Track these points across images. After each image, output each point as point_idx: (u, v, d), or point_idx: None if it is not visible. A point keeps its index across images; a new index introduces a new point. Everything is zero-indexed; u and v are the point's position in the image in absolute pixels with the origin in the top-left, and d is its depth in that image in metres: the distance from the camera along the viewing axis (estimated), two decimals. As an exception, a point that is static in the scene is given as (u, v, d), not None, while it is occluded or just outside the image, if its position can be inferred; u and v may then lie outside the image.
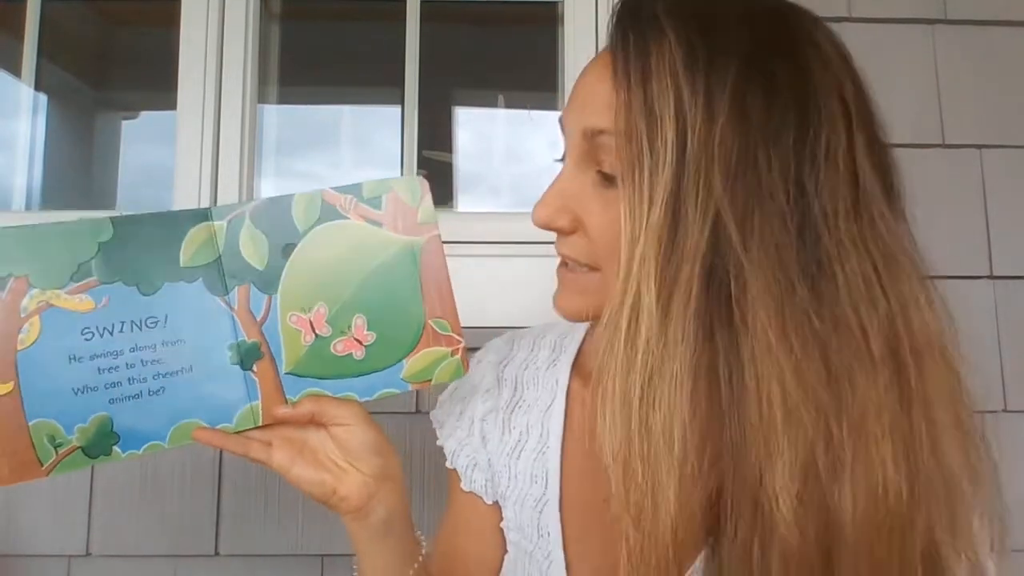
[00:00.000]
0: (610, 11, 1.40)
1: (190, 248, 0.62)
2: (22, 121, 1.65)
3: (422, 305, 0.67)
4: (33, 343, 0.58)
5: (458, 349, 0.68)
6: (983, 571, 0.55)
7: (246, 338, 0.64)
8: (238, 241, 0.63)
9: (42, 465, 0.59)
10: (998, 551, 0.57)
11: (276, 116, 1.74)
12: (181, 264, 0.62)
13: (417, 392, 1.25)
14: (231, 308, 0.63)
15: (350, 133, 1.94)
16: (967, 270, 1.30)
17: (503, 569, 0.75)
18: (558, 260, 0.64)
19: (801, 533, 0.48)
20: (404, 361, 0.67)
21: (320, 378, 0.66)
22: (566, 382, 0.73)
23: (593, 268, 0.60)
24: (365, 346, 0.66)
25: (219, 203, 1.33)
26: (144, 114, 1.98)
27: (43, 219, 1.39)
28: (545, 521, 0.69)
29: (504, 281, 1.30)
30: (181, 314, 0.62)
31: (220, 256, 0.63)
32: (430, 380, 0.68)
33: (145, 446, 0.62)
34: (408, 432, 1.25)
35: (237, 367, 0.64)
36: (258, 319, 0.64)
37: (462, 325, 0.68)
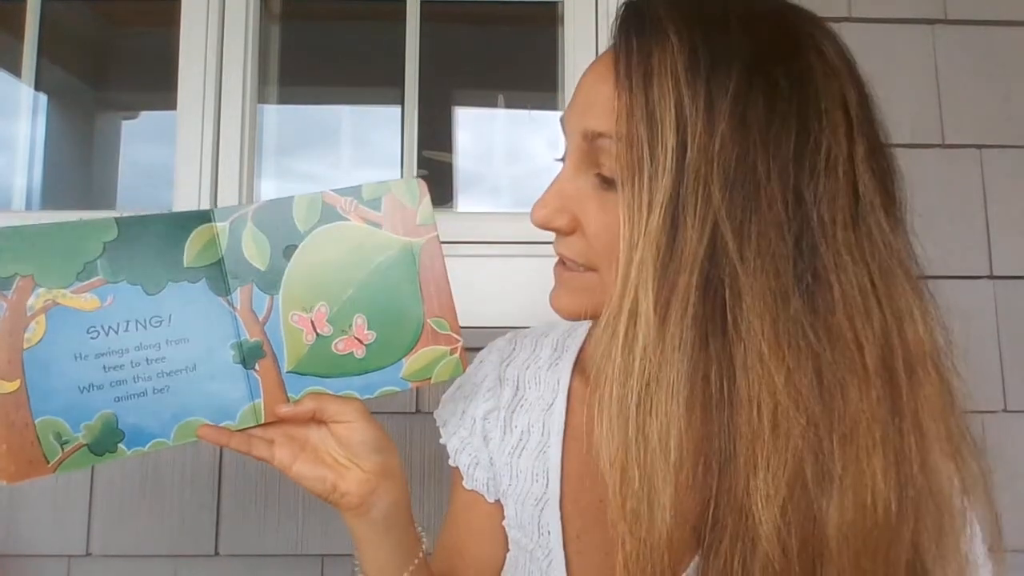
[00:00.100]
0: (609, 11, 1.40)
1: (193, 249, 0.63)
2: (22, 121, 1.65)
3: (421, 305, 0.67)
4: (39, 341, 0.58)
5: (457, 348, 0.69)
6: None
7: (248, 337, 0.65)
8: (240, 242, 0.64)
9: (48, 462, 0.59)
10: (993, 555, 0.58)
11: (276, 116, 1.75)
12: (185, 264, 0.63)
13: (417, 392, 1.25)
14: (233, 308, 0.64)
15: (350, 133, 1.94)
16: (967, 270, 1.31)
17: (504, 567, 0.75)
18: (555, 259, 0.64)
19: (783, 548, 0.48)
20: (404, 360, 0.68)
21: (321, 377, 0.66)
22: (567, 381, 0.74)
23: (590, 268, 0.60)
24: (365, 345, 0.67)
25: (219, 203, 1.33)
26: (144, 114, 1.98)
27: (43, 219, 1.40)
28: (546, 519, 0.70)
29: (504, 281, 1.30)
30: (185, 314, 0.63)
31: (223, 257, 0.64)
32: (429, 378, 0.69)
33: (150, 443, 0.62)
34: (408, 431, 1.25)
35: (240, 366, 0.64)
36: (260, 319, 0.65)
37: (462, 325, 0.69)
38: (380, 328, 0.67)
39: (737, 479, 0.49)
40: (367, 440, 0.65)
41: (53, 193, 1.79)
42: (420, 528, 0.73)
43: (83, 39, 1.86)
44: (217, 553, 1.23)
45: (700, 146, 0.50)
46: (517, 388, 0.76)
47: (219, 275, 0.64)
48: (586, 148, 0.58)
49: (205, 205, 1.32)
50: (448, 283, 0.68)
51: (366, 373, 0.67)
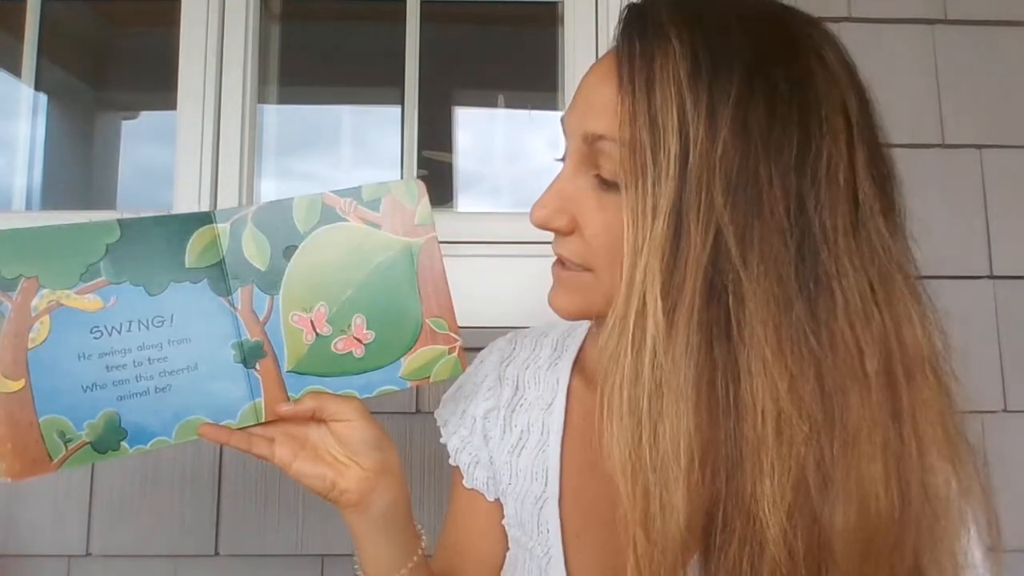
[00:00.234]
0: (610, 11, 1.40)
1: (195, 250, 0.64)
2: (22, 121, 1.65)
3: (420, 305, 0.68)
4: (43, 341, 0.59)
5: (455, 347, 0.69)
6: None
7: (249, 337, 0.65)
8: (241, 243, 0.65)
9: (52, 460, 0.60)
10: (993, 555, 0.58)
11: (276, 116, 1.75)
12: (186, 265, 0.63)
13: (417, 392, 1.25)
14: (234, 308, 0.65)
15: (350, 133, 1.94)
16: (967, 270, 1.31)
17: (504, 566, 0.76)
18: (554, 259, 0.64)
19: (790, 551, 0.48)
20: (402, 359, 0.68)
21: (321, 376, 0.67)
22: (567, 381, 0.74)
23: (587, 268, 0.60)
24: (364, 345, 0.68)
25: (219, 203, 1.33)
26: (144, 114, 1.98)
27: (43, 219, 1.40)
28: (545, 517, 0.70)
29: (504, 281, 1.30)
30: (186, 314, 0.63)
31: (223, 258, 0.65)
32: (428, 378, 0.69)
33: (152, 441, 0.63)
34: (409, 431, 1.25)
35: (240, 365, 0.65)
36: (261, 319, 0.66)
37: (462, 325, 0.70)
38: (379, 328, 0.68)
39: (744, 483, 0.49)
40: (366, 438, 0.66)
41: (53, 193, 1.79)
42: (419, 527, 0.73)
43: (83, 39, 1.86)
44: (217, 553, 1.23)
45: (702, 152, 0.50)
46: (517, 387, 0.76)
47: (220, 276, 0.64)
48: (586, 150, 0.58)
49: (205, 205, 1.32)
50: (447, 283, 0.69)
51: (365, 372, 0.68)
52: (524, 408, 0.75)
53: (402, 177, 1.48)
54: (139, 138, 1.95)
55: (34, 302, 0.59)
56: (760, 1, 0.58)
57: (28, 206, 1.63)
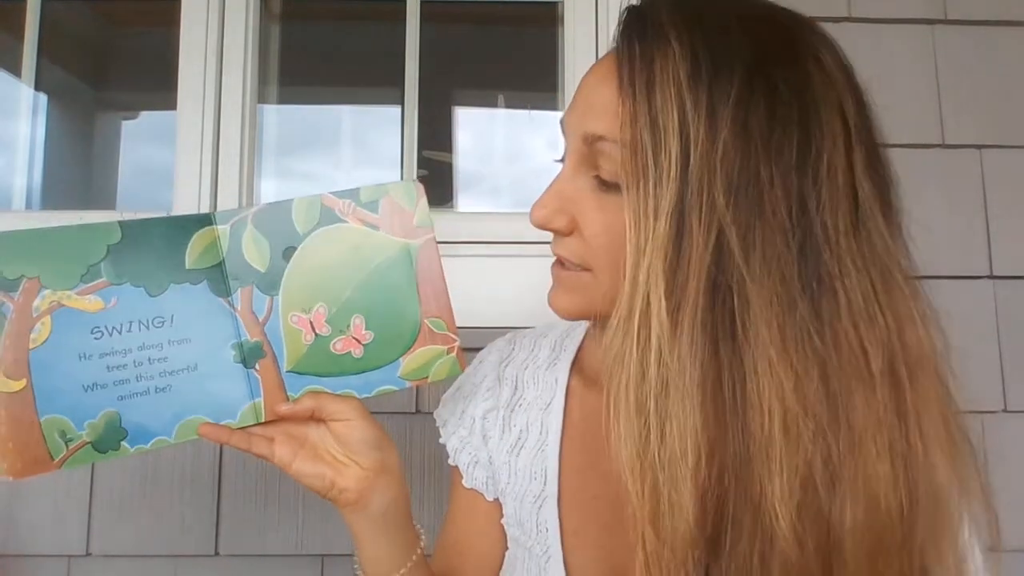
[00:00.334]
0: (610, 11, 1.40)
1: (195, 251, 0.64)
2: (22, 121, 1.65)
3: (418, 305, 0.69)
4: (44, 342, 0.60)
5: (454, 347, 0.70)
6: None
7: (249, 337, 0.66)
8: (241, 244, 0.65)
9: (53, 459, 0.60)
10: (989, 554, 0.58)
11: (276, 116, 1.75)
12: (186, 266, 0.64)
13: (417, 392, 1.25)
14: (234, 309, 0.65)
15: (350, 133, 1.94)
16: (967, 270, 1.30)
17: (503, 565, 0.76)
18: (553, 258, 0.65)
19: (800, 546, 0.49)
20: (401, 359, 0.69)
21: (320, 376, 0.67)
22: (565, 381, 0.74)
23: (585, 268, 0.61)
24: (363, 345, 0.68)
25: (219, 203, 1.33)
26: (144, 114, 1.98)
27: (43, 219, 1.40)
28: (544, 517, 0.70)
29: (504, 281, 1.30)
30: (187, 314, 0.64)
31: (223, 259, 0.65)
32: (427, 377, 0.70)
33: (152, 441, 0.63)
34: (408, 431, 1.26)
35: (240, 365, 0.66)
36: (260, 319, 0.66)
37: (462, 325, 0.70)
38: (378, 328, 0.68)
39: (753, 481, 0.49)
40: (365, 438, 0.66)
41: (53, 193, 1.79)
42: (419, 526, 0.73)
43: (83, 39, 1.86)
44: (217, 553, 1.23)
45: (703, 153, 0.50)
46: (516, 388, 0.77)
47: (220, 277, 0.65)
48: (585, 151, 0.59)
49: (205, 205, 1.33)
50: (445, 284, 0.69)
51: (364, 372, 0.68)
52: (523, 408, 0.75)
53: (402, 177, 1.48)
54: (139, 138, 1.95)
55: (35, 303, 0.60)
56: (758, 3, 0.58)
57: (28, 206, 1.63)
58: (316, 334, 0.67)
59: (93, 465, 1.23)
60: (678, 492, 0.50)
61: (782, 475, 0.48)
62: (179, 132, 1.35)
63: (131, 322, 0.62)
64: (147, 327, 0.63)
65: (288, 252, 0.66)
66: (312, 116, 1.93)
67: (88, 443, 0.61)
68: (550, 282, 0.65)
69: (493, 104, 2.00)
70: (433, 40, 1.50)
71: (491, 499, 0.76)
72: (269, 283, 0.66)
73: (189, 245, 0.64)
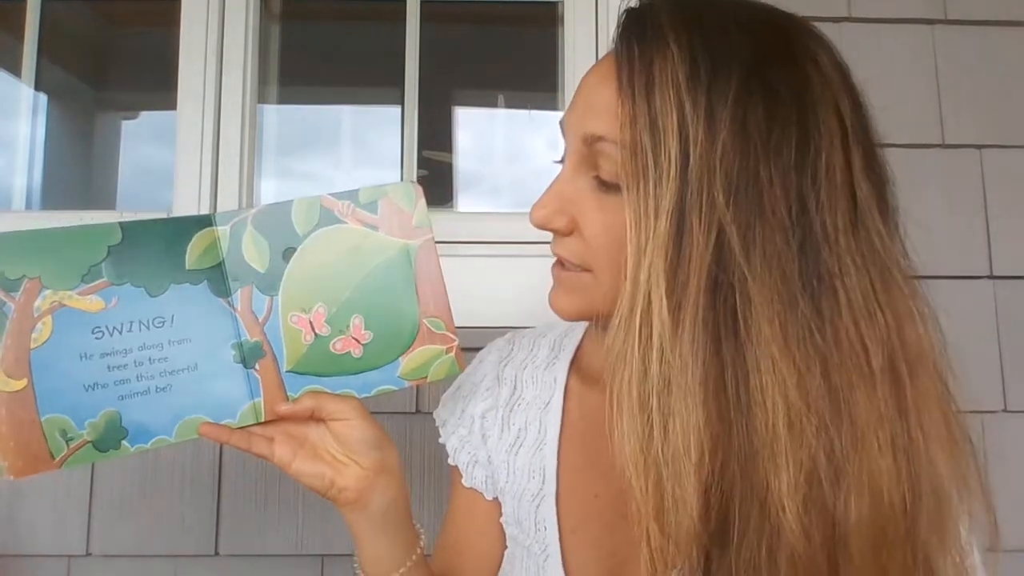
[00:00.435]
0: (610, 11, 1.40)
1: (195, 252, 0.65)
2: (22, 121, 1.65)
3: (417, 305, 0.69)
4: (45, 342, 0.60)
5: (452, 347, 0.70)
6: (970, 573, 0.56)
7: (249, 337, 0.66)
8: (240, 245, 0.66)
9: (54, 458, 0.61)
10: (988, 552, 0.58)
11: (276, 116, 1.75)
12: (186, 267, 0.64)
13: (417, 392, 1.25)
14: (234, 309, 0.66)
15: (350, 133, 1.94)
16: (967, 270, 1.31)
17: (502, 564, 0.76)
18: (553, 259, 0.65)
19: (807, 538, 0.49)
20: (400, 359, 0.69)
21: (320, 376, 0.68)
22: (564, 380, 0.75)
23: (585, 269, 0.61)
24: (363, 345, 0.68)
25: (219, 203, 1.34)
26: (144, 114, 1.98)
27: (43, 219, 1.40)
28: (542, 515, 0.71)
29: (503, 281, 1.30)
30: (187, 315, 0.64)
31: (223, 259, 0.65)
32: (426, 377, 0.70)
33: (152, 440, 0.64)
34: (408, 431, 1.26)
35: (240, 365, 0.66)
36: (260, 319, 0.66)
37: (461, 325, 0.70)
38: (377, 328, 0.68)
39: (758, 476, 0.50)
40: (365, 438, 0.66)
41: (53, 193, 1.79)
42: (418, 526, 0.74)
43: (83, 39, 1.86)
44: (217, 553, 1.24)
45: (702, 153, 0.51)
46: (515, 387, 0.77)
47: (220, 277, 0.65)
48: (585, 151, 0.59)
49: (205, 205, 1.33)
50: (444, 284, 0.69)
51: (363, 372, 0.68)
52: (522, 407, 0.76)
53: (402, 177, 1.48)
54: (139, 138, 1.95)
55: (37, 303, 0.60)
56: (756, 6, 0.59)
57: (28, 206, 1.63)
58: (316, 334, 0.67)
59: (93, 465, 1.23)
60: (682, 488, 0.50)
61: (788, 469, 0.49)
62: (179, 132, 1.35)
63: (132, 322, 0.63)
64: (147, 327, 0.63)
65: (288, 253, 0.66)
66: (312, 116, 1.93)
67: (89, 442, 0.61)
68: (550, 283, 0.66)
69: (493, 104, 2.00)
70: (433, 40, 1.50)
71: (490, 498, 0.77)
72: (269, 283, 0.66)
73: (189, 246, 0.64)
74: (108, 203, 1.96)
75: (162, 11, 1.43)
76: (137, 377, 0.63)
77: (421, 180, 0.70)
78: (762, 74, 0.52)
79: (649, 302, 0.51)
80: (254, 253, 0.66)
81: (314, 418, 0.67)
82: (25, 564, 1.22)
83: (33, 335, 0.60)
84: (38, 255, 0.60)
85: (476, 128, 2.01)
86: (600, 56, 1.36)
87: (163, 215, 1.09)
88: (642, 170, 0.53)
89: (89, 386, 0.61)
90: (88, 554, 1.23)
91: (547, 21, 1.58)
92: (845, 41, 0.57)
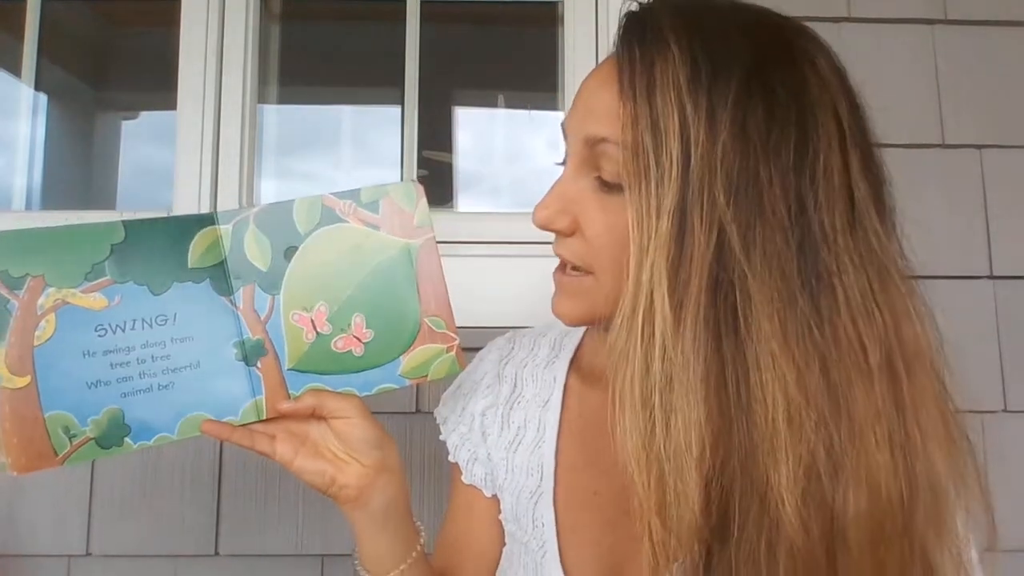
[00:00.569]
0: (610, 12, 1.40)
1: (197, 250, 0.65)
2: (22, 121, 1.65)
3: (418, 304, 0.69)
4: (49, 339, 0.61)
5: (453, 346, 0.70)
6: (968, 568, 0.57)
7: (251, 336, 0.66)
8: (243, 244, 0.66)
9: (57, 455, 0.61)
10: (986, 551, 0.59)
11: (276, 116, 1.75)
12: (189, 265, 0.65)
13: (417, 391, 1.25)
14: (236, 307, 0.66)
15: (350, 133, 1.94)
16: (967, 270, 1.31)
17: (501, 560, 0.76)
18: (556, 264, 0.66)
19: (806, 531, 0.50)
20: (401, 358, 0.69)
21: (321, 374, 0.68)
22: (563, 378, 0.75)
23: (587, 271, 0.62)
24: (364, 343, 0.68)
25: (219, 203, 1.34)
26: (144, 114, 1.98)
27: (43, 219, 1.40)
28: (540, 512, 0.71)
29: (503, 281, 1.30)
30: (189, 313, 0.65)
31: (226, 258, 0.66)
32: (426, 376, 0.70)
33: (155, 438, 0.64)
34: (408, 431, 1.26)
35: (242, 363, 0.66)
36: (262, 318, 0.67)
37: (461, 325, 0.70)
38: (378, 327, 0.68)
39: (758, 470, 0.51)
40: (366, 435, 0.67)
41: (53, 193, 1.79)
42: (419, 523, 0.74)
43: (83, 39, 1.86)
44: (217, 553, 1.24)
45: (703, 154, 0.52)
46: (515, 385, 0.78)
47: (222, 276, 0.66)
48: (587, 152, 0.60)
49: (205, 205, 1.33)
50: (444, 283, 0.70)
51: (365, 370, 0.69)
52: (521, 405, 0.76)
53: (402, 177, 1.48)
54: (139, 138, 1.95)
55: (40, 300, 0.60)
56: (754, 9, 0.59)
57: (28, 206, 1.63)
58: (317, 332, 0.67)
59: (93, 465, 1.24)
60: (683, 482, 0.51)
61: (787, 464, 0.50)
62: (179, 132, 1.35)
63: (134, 320, 0.63)
64: (150, 325, 0.63)
65: (290, 251, 0.67)
66: (312, 116, 1.93)
67: (91, 439, 0.62)
68: (550, 283, 0.66)
69: (493, 104, 2.00)
70: (433, 40, 1.50)
71: (489, 495, 0.77)
72: (271, 282, 0.66)
73: (192, 244, 0.65)
74: (108, 203, 1.96)
75: (162, 11, 1.44)
76: (140, 375, 0.63)
77: (421, 180, 0.70)
78: (761, 76, 0.53)
79: (651, 300, 0.52)
80: (256, 252, 0.66)
81: (315, 416, 0.67)
82: (25, 564, 1.22)
83: (37, 333, 0.60)
84: (42, 253, 0.61)
85: (476, 128, 2.02)
86: (600, 56, 1.37)
87: (163, 215, 1.09)
88: (644, 170, 0.53)
89: (92, 383, 0.62)
90: (88, 554, 1.22)
91: (547, 21, 1.59)
92: (844, 41, 0.58)
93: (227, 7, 1.38)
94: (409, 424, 1.26)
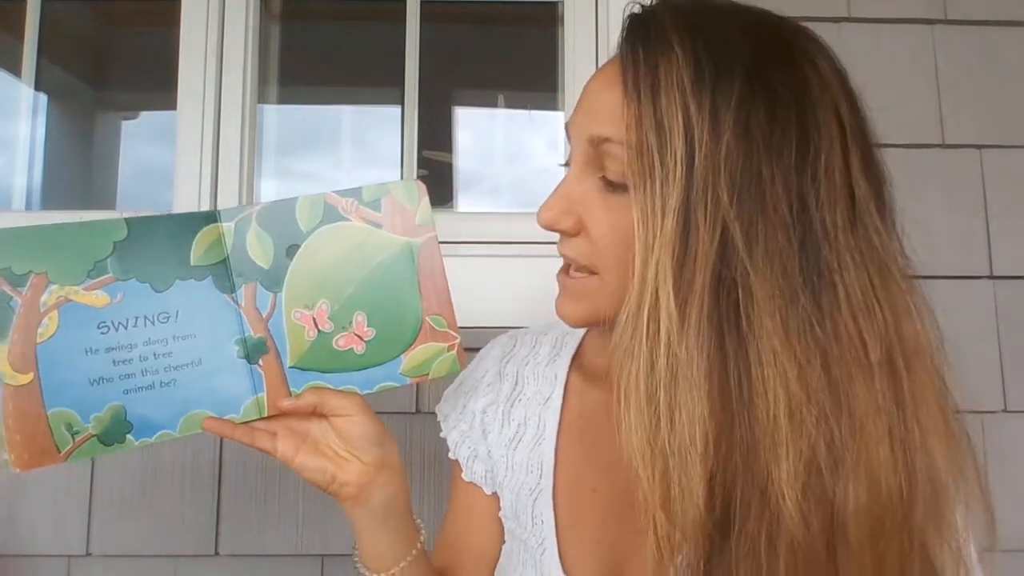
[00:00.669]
0: (610, 12, 1.40)
1: (200, 248, 0.65)
2: (22, 121, 1.65)
3: (420, 303, 0.69)
4: (51, 336, 0.61)
5: (454, 345, 0.71)
6: (967, 562, 0.58)
7: (252, 333, 0.66)
8: (245, 242, 0.66)
9: (59, 452, 0.61)
10: (986, 551, 0.59)
11: (276, 116, 1.75)
12: (191, 263, 0.65)
13: (417, 391, 1.25)
14: (238, 305, 0.66)
15: (350, 133, 1.94)
16: (967, 270, 1.31)
17: (500, 558, 0.77)
18: (559, 266, 0.66)
19: (806, 525, 0.50)
20: (402, 356, 0.70)
21: (322, 372, 0.68)
22: (564, 377, 0.76)
23: (592, 272, 0.62)
24: (365, 341, 0.69)
25: (219, 203, 1.34)
26: (144, 114, 1.99)
27: (43, 219, 1.40)
28: (539, 509, 0.71)
29: (503, 281, 1.30)
30: (191, 310, 0.65)
31: (228, 256, 0.66)
32: (427, 374, 0.70)
33: (157, 435, 0.64)
34: (409, 431, 1.26)
35: (244, 361, 0.66)
36: (264, 316, 0.67)
37: (461, 324, 0.71)
38: (380, 325, 0.69)
39: (759, 465, 0.51)
40: (367, 433, 0.67)
41: (53, 193, 1.79)
42: (419, 521, 0.74)
43: (83, 39, 1.86)
44: (217, 553, 1.23)
45: (707, 153, 0.52)
46: (516, 383, 0.78)
47: (224, 273, 0.66)
48: (592, 152, 0.60)
49: (205, 205, 1.33)
50: (446, 282, 0.70)
51: (366, 369, 0.69)
52: (522, 403, 0.77)
53: (402, 177, 1.48)
54: (139, 138, 1.95)
55: (43, 298, 0.61)
56: (753, 11, 0.60)
57: (28, 206, 1.63)
58: (319, 330, 0.67)
59: (93, 465, 1.23)
60: (688, 477, 0.51)
61: (788, 458, 0.50)
62: (179, 132, 1.35)
63: (137, 317, 0.63)
64: (152, 322, 0.64)
65: (291, 249, 0.67)
66: (312, 116, 1.93)
67: (94, 436, 0.62)
68: (552, 284, 0.67)
69: (493, 104, 2.00)
70: (433, 40, 1.51)
71: (489, 493, 0.78)
72: (273, 280, 0.67)
73: (194, 242, 0.65)
74: (108, 203, 1.96)
75: (162, 11, 1.44)
76: (142, 372, 0.63)
77: (421, 180, 0.70)
78: (764, 77, 0.54)
79: (657, 298, 0.53)
80: (258, 250, 0.66)
81: (316, 414, 0.67)
82: (25, 564, 1.22)
83: (39, 330, 0.60)
84: (44, 250, 0.61)
85: (476, 128, 2.02)
86: (600, 56, 1.37)
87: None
88: (648, 169, 0.54)
89: (94, 380, 0.62)
90: (88, 554, 1.22)
91: (547, 21, 1.59)
92: (845, 41, 0.58)
93: (227, 7, 1.38)
94: (409, 424, 1.26)
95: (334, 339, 0.68)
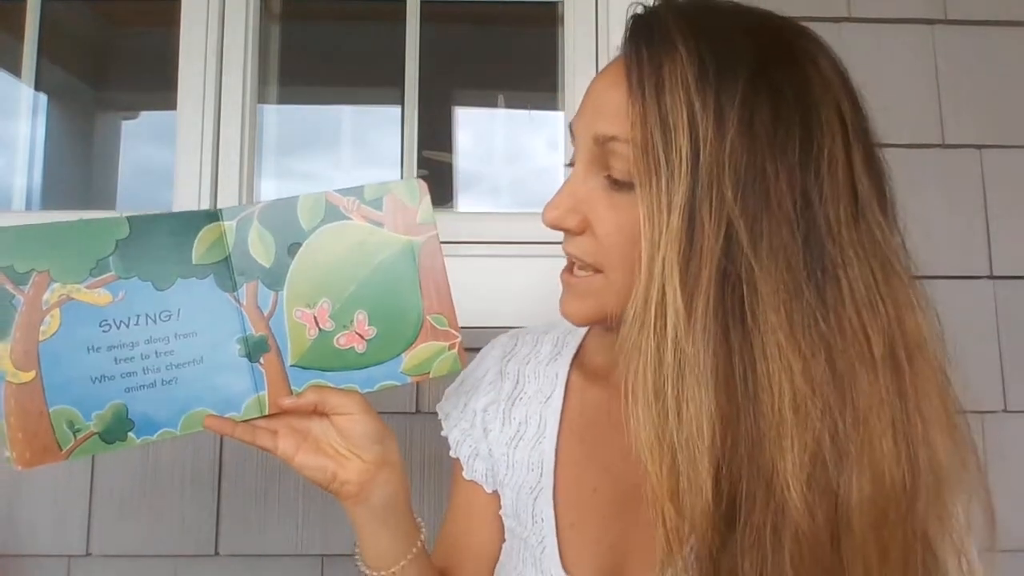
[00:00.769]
0: (610, 12, 1.40)
1: (201, 247, 0.65)
2: (22, 121, 1.65)
3: (421, 301, 0.69)
4: (53, 334, 0.61)
5: (455, 344, 0.71)
6: (968, 555, 0.58)
7: (254, 332, 0.67)
8: (247, 240, 0.66)
9: (61, 449, 0.62)
10: (987, 551, 0.59)
11: (276, 116, 1.75)
12: (193, 261, 0.65)
13: (418, 391, 1.25)
14: (240, 303, 0.66)
15: (350, 133, 1.94)
16: (967, 270, 1.31)
17: (501, 556, 0.77)
18: (563, 265, 0.66)
19: (811, 516, 0.51)
20: (403, 355, 0.70)
21: (323, 370, 0.68)
22: (566, 375, 0.76)
23: (596, 270, 0.62)
24: (366, 340, 0.69)
25: (219, 203, 1.33)
26: (144, 114, 1.99)
27: (43, 219, 1.40)
28: (539, 508, 0.72)
29: (504, 281, 1.30)
30: (193, 309, 0.65)
31: (230, 254, 0.66)
32: (428, 373, 0.71)
33: (158, 433, 0.64)
34: (409, 431, 1.25)
35: (245, 359, 0.66)
36: (265, 314, 0.67)
37: (462, 325, 0.71)
38: (381, 324, 0.69)
39: (765, 457, 0.52)
40: (368, 432, 0.67)
41: (53, 193, 1.79)
42: (419, 519, 0.74)
43: (83, 39, 1.86)
44: (217, 553, 1.23)
45: (712, 151, 0.53)
46: (517, 382, 0.78)
47: (226, 272, 0.66)
48: (597, 151, 0.61)
49: (205, 205, 1.33)
50: (447, 281, 0.70)
51: (367, 367, 0.69)
52: (523, 401, 0.77)
53: (402, 177, 1.48)
54: (139, 138, 1.95)
55: (45, 296, 0.61)
56: (754, 11, 0.61)
57: (28, 206, 1.63)
58: (320, 329, 0.68)
59: (93, 465, 1.23)
60: (696, 470, 0.52)
61: (793, 451, 0.51)
62: (179, 132, 1.35)
63: (138, 315, 0.63)
64: (154, 321, 0.64)
65: (293, 248, 0.67)
66: (312, 116, 1.93)
67: (96, 434, 0.62)
68: (555, 284, 0.67)
69: (493, 104, 2.00)
70: (433, 40, 1.51)
71: (490, 491, 0.78)
72: (274, 278, 0.67)
73: (196, 240, 0.65)
74: (108, 203, 1.96)
75: (162, 11, 1.44)
76: (143, 370, 0.63)
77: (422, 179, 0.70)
78: (767, 75, 0.54)
79: (663, 294, 0.53)
80: (260, 248, 0.66)
81: (317, 412, 0.67)
82: (25, 564, 1.22)
83: (42, 328, 0.61)
84: (47, 249, 0.61)
85: (476, 128, 2.02)
86: (600, 56, 1.37)
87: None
88: (654, 167, 0.54)
89: (96, 378, 0.62)
90: (88, 554, 1.22)
91: (547, 21, 1.59)
92: (845, 41, 0.58)
93: (227, 7, 1.38)
94: (409, 424, 1.26)
95: (335, 338, 0.68)
